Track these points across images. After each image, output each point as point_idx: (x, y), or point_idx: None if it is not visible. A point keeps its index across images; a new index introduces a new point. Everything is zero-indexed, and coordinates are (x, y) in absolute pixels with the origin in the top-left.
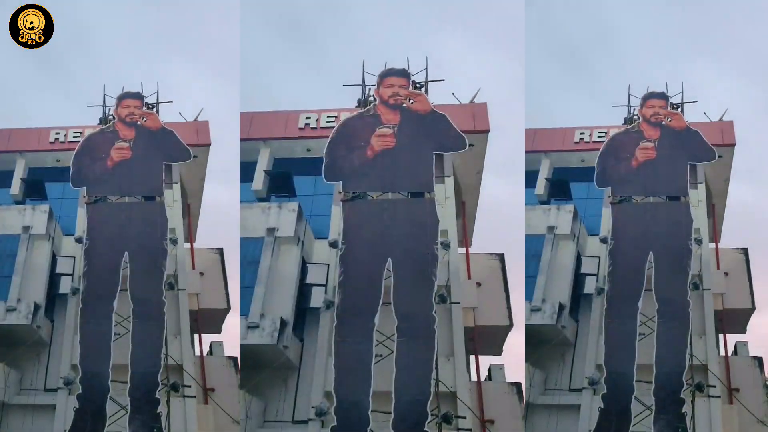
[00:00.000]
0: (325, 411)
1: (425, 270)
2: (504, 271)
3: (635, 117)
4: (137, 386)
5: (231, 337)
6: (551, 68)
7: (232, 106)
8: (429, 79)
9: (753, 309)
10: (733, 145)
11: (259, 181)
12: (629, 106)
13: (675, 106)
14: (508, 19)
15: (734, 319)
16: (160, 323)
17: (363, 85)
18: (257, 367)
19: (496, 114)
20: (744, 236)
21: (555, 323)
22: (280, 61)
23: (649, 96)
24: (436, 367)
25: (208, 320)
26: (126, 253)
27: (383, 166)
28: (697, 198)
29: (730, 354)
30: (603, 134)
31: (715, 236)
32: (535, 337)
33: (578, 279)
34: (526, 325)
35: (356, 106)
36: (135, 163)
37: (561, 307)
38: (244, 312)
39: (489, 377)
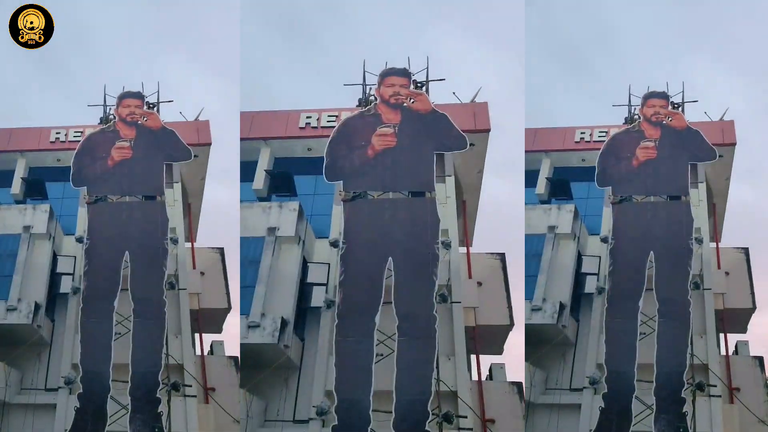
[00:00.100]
0: (325, 410)
1: (426, 269)
2: (505, 271)
3: (636, 116)
4: (138, 386)
5: (231, 336)
6: (552, 67)
7: (232, 105)
8: (430, 79)
9: (754, 308)
10: (734, 144)
11: (259, 181)
12: (630, 105)
13: (676, 105)
14: (509, 18)
15: (735, 319)
16: (160, 323)
17: (364, 84)
18: (258, 367)
19: (496, 113)
20: (744, 236)
21: (556, 323)
22: (281, 61)
23: (649, 95)
24: (437, 367)
25: (209, 320)
26: (127, 252)
27: (384, 165)
28: (697, 197)
29: (730, 353)
30: (604, 134)
31: (715, 236)
32: (535, 337)
33: (579, 278)
34: (526, 325)
35: (357, 106)
36: (135, 162)
37: (561, 306)
38: (245, 311)
39: (490, 377)
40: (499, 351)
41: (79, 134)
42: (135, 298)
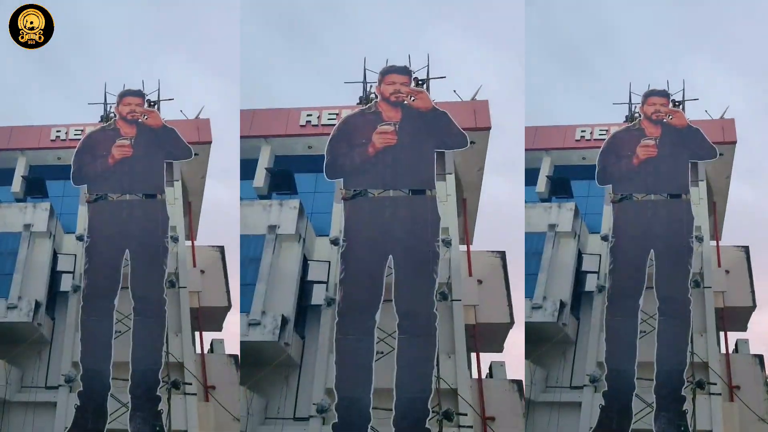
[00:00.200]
0: (326, 408)
1: (426, 267)
2: (505, 269)
3: (636, 114)
4: (138, 384)
5: (231, 335)
6: (552, 66)
7: (233, 104)
8: (430, 77)
9: (754, 307)
10: (735, 142)
11: (260, 179)
12: (630, 103)
13: (676, 103)
14: (509, 17)
15: (735, 317)
16: (161, 321)
17: (364, 82)
18: (259, 364)
19: (496, 112)
20: (745, 234)
21: (556, 321)
22: (281, 61)
23: (650, 93)
24: (437, 365)
25: (209, 318)
26: (127, 250)
27: (384, 163)
28: (698, 196)
29: (730, 352)
30: (604, 132)
31: (716, 234)
32: (536, 335)
33: (579, 277)
34: (526, 323)
35: (357, 104)
36: (136, 160)
37: (562, 304)
38: (245, 309)
39: (490, 374)
40: (499, 349)
41: (79, 132)
42: (135, 297)
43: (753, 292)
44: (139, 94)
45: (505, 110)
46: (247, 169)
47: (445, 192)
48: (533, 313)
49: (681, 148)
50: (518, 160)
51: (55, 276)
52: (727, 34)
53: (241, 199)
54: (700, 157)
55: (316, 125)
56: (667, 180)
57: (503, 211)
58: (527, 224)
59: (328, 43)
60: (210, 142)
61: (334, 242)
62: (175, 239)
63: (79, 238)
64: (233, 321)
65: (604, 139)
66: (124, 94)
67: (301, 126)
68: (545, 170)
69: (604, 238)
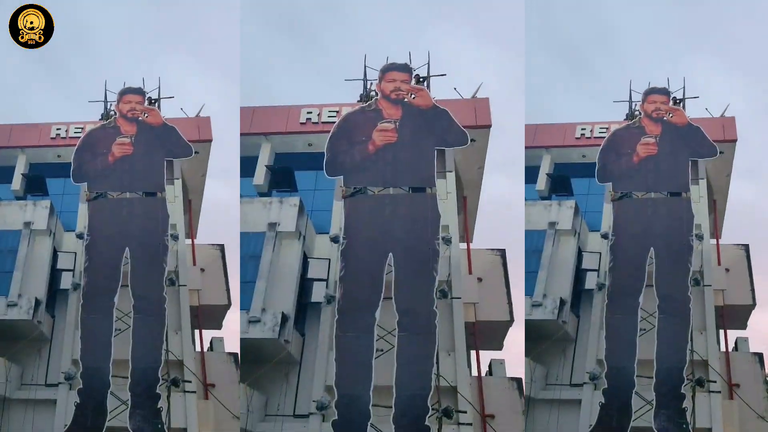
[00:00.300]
0: (326, 405)
1: (426, 265)
2: (505, 267)
3: (636, 113)
4: (138, 381)
5: (231, 333)
6: (552, 64)
7: (233, 103)
8: (431, 74)
9: (753, 305)
10: (735, 141)
11: (260, 176)
12: (630, 101)
13: (677, 101)
14: (509, 15)
15: (735, 315)
16: (160, 319)
17: (364, 79)
18: (259, 362)
19: (497, 111)
20: (745, 232)
21: (556, 318)
22: (281, 60)
23: (650, 91)
24: (437, 362)
25: (209, 316)
26: (127, 249)
27: (385, 161)
28: (698, 194)
29: (730, 350)
30: (604, 130)
31: (716, 232)
32: (535, 333)
33: (579, 274)
34: (526, 321)
35: (358, 101)
36: (136, 158)
37: (562, 302)
38: (245, 306)
39: (490, 372)
40: (499, 347)
41: (79, 130)
42: (135, 295)
43: (753, 290)
44: (140, 91)
45: (505, 108)
46: (248, 166)
47: (445, 190)
48: (533, 310)
49: (681, 146)
50: (518, 158)
51: (55, 274)
52: (727, 33)
53: (241, 196)
54: (700, 155)
55: (317, 123)
56: (667, 178)
57: (503, 208)
58: (527, 222)
59: (328, 43)
60: (210, 141)
61: (334, 240)
62: (175, 237)
63: (79, 236)
64: (233, 319)
65: (604, 137)
66: (125, 92)
67: (302, 123)
68: (545, 168)
69: (604, 236)
